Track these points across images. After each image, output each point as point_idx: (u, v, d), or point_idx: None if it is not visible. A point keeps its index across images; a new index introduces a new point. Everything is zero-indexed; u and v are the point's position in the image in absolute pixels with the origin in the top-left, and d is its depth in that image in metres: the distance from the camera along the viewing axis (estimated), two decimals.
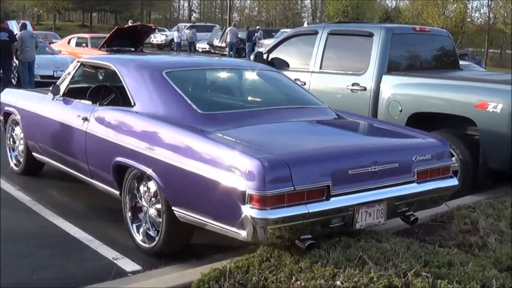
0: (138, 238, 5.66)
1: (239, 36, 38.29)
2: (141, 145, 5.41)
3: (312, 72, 9.12)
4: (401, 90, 8.09)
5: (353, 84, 8.55)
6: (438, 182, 5.42)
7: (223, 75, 6.89)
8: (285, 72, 8.50)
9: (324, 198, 4.60)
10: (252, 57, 9.79)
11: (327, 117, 6.19)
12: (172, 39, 44.84)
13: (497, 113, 7.11)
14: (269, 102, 6.56)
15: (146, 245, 5.55)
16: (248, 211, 4.36)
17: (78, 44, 24.23)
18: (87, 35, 25.77)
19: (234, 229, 4.57)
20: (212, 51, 40.61)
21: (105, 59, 7.03)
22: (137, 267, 5.29)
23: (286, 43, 9.86)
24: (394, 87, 8.16)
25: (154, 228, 5.52)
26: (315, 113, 6.21)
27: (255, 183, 4.34)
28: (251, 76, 7.07)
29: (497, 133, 7.16)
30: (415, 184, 5.20)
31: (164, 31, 52.44)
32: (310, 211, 4.46)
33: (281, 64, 9.45)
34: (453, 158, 7.46)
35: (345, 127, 6.21)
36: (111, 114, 6.09)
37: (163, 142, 5.27)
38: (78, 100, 6.81)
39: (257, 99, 6.74)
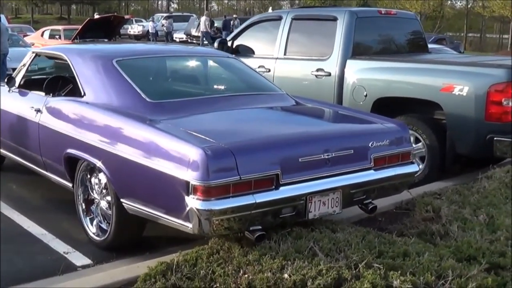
0: (91, 231, 5.51)
1: (215, 25, 37.97)
2: (90, 136, 5.24)
3: (277, 58, 8.91)
4: (366, 75, 7.92)
5: (317, 70, 8.36)
6: (397, 168, 5.23)
7: (178, 62, 6.68)
8: (250, 59, 8.34)
9: (273, 187, 4.41)
10: (216, 44, 9.54)
11: (283, 103, 6.00)
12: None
13: (463, 96, 6.97)
14: (224, 89, 6.38)
15: (98, 239, 5.39)
16: (192, 202, 4.18)
17: (51, 36, 24.03)
18: (60, 27, 25.55)
19: (180, 221, 4.39)
20: (189, 40, 40.37)
21: (57, 49, 6.86)
22: (87, 261, 5.15)
23: (251, 29, 9.61)
24: (358, 71, 7.99)
25: (106, 221, 5.36)
26: (271, 99, 6.02)
27: (199, 173, 4.15)
28: (206, 63, 6.88)
29: (464, 117, 7.02)
30: (372, 171, 5.02)
31: (142, 21, 52.11)
32: (258, 201, 4.27)
33: (246, 51, 9.26)
34: (420, 144, 7.36)
35: (300, 113, 6.01)
36: (62, 104, 5.93)
37: (110, 133, 5.09)
38: (32, 92, 6.64)
39: (212, 87, 6.56)
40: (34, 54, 7.12)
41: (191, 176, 4.18)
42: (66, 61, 6.23)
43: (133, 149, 4.74)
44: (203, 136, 4.48)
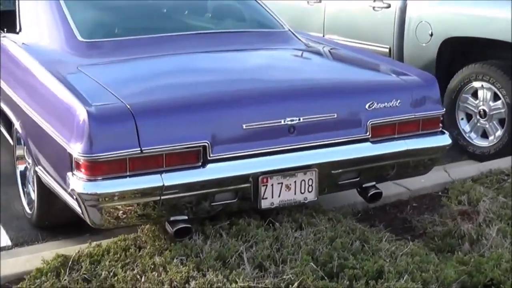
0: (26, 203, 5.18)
1: None
2: (12, 88, 5.00)
3: None
4: (433, 7, 7.09)
5: (375, 0, 7.59)
6: (414, 140, 4.43)
7: None
8: None
9: (199, 164, 3.80)
10: None
11: (273, 45, 5.30)
12: None
13: None
14: (197, 25, 5.64)
15: (30, 212, 5.04)
16: (74, 183, 3.65)
17: None
18: None
19: (75, 206, 3.88)
20: None
21: None
22: (7, 242, 4.85)
23: None
24: (424, 2, 7.16)
25: None
26: (259, 39, 5.35)
27: (82, 143, 3.61)
28: None
29: None
30: (368, 143, 4.26)
31: None
32: (167, 184, 3.67)
33: None
34: (499, 102, 6.52)
35: (282, 60, 5.24)
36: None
37: (26, 84, 4.77)
38: None
39: (183, 22, 5.78)
40: None
41: (74, 147, 3.66)
42: None
43: (36, 105, 4.40)
44: (109, 90, 3.93)
